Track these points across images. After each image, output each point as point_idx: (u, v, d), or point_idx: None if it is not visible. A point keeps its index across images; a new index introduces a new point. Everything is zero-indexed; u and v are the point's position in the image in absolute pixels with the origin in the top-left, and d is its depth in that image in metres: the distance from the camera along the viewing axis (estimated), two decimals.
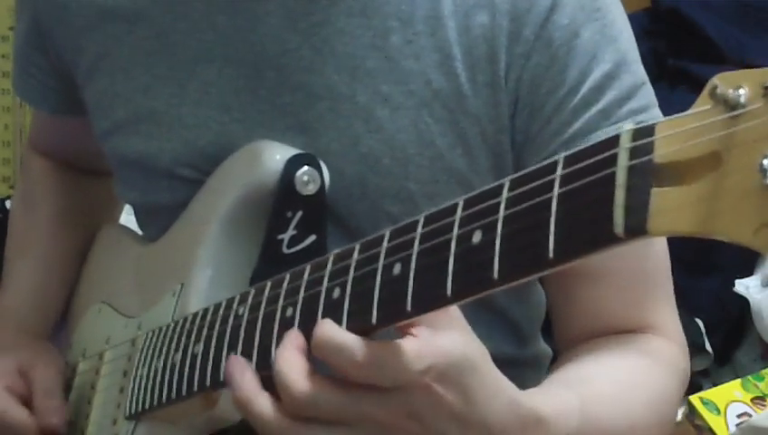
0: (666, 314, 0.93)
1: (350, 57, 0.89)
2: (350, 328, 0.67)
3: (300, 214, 0.86)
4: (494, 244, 0.59)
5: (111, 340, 1.01)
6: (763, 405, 1.56)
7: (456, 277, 0.61)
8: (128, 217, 1.26)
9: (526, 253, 0.57)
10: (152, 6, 0.95)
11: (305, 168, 0.86)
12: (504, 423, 0.69)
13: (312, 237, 0.87)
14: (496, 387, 0.69)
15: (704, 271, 1.95)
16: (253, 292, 0.79)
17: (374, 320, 0.66)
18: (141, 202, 1.02)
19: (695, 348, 1.93)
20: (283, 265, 0.82)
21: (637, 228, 0.52)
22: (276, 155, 0.87)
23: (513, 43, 0.87)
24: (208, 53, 0.93)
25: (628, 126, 0.54)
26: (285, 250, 0.87)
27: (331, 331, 0.65)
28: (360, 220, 0.90)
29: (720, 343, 1.98)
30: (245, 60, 0.91)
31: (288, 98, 0.90)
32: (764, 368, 1.68)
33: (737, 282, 1.93)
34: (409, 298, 0.64)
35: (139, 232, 1.11)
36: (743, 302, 1.92)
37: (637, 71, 0.90)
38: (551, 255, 0.56)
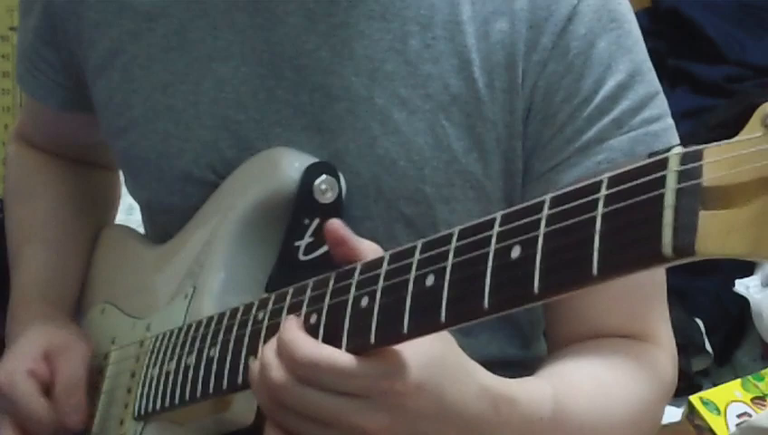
0: (659, 323, 0.95)
1: (369, 60, 0.89)
2: (378, 337, 0.68)
3: (317, 221, 0.87)
4: (535, 259, 0.60)
5: (117, 340, 1.01)
6: (763, 405, 1.56)
7: (494, 291, 0.62)
8: (127, 218, 1.26)
9: (569, 269, 0.59)
10: (173, 3, 0.95)
11: (324, 176, 0.87)
12: (478, 411, 0.73)
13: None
14: (465, 377, 0.72)
15: (704, 271, 1.95)
16: (273, 298, 0.79)
17: (405, 329, 0.67)
18: (153, 202, 1.01)
19: (695, 348, 1.93)
20: (299, 271, 0.83)
21: (685, 249, 0.53)
22: (295, 162, 0.88)
23: (531, 51, 0.88)
24: (225, 51, 0.93)
25: (677, 150, 0.55)
26: (302, 257, 0.87)
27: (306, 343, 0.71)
28: (376, 221, 0.91)
29: (720, 343, 1.98)
30: (263, 59, 0.92)
31: (306, 98, 0.91)
32: (764, 368, 1.68)
33: (737, 282, 1.93)
34: (443, 310, 0.65)
35: (141, 232, 1.10)
36: (743, 302, 1.92)
37: (650, 81, 0.91)
38: (595, 271, 0.57)
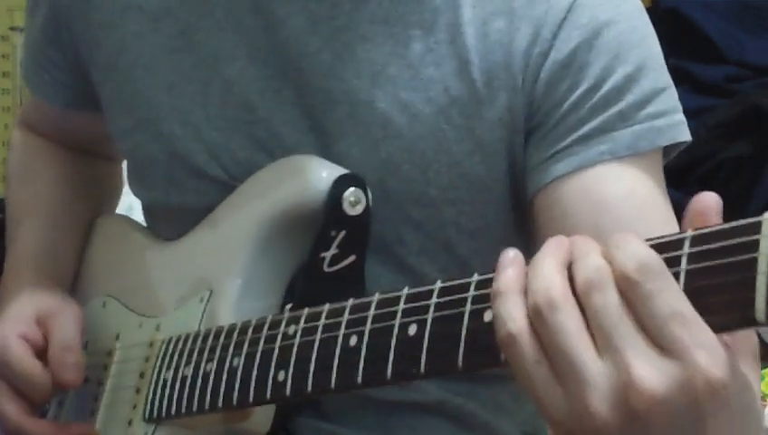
0: None
1: (371, 63, 0.89)
2: (428, 366, 0.67)
3: (343, 233, 0.87)
4: None
5: (122, 337, 1.00)
6: (764, 405, 1.56)
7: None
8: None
9: None
10: (178, 4, 0.94)
11: (352, 188, 0.87)
12: None
13: (352, 257, 0.87)
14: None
15: None
16: (305, 315, 0.78)
17: (460, 364, 0.65)
18: (162, 202, 1.00)
19: None
20: (323, 282, 0.83)
21: None
22: (323, 173, 0.88)
23: (532, 45, 0.87)
24: (231, 53, 0.92)
25: None
26: (326, 268, 0.87)
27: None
28: (383, 224, 0.90)
29: None
30: (269, 60, 0.91)
31: (310, 100, 0.91)
32: (764, 368, 1.68)
33: None
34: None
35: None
36: None
37: (659, 75, 0.89)
38: None
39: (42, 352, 0.96)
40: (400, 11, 0.89)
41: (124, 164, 1.09)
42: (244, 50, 0.92)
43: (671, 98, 0.90)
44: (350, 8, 0.89)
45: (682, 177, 1.97)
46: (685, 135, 0.90)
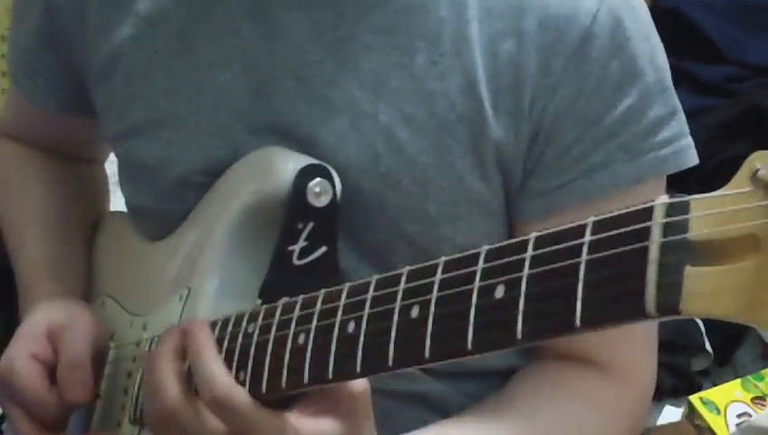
0: (633, 357, 0.94)
1: (374, 74, 0.88)
2: (364, 367, 0.67)
3: (311, 225, 0.85)
4: (518, 303, 0.58)
5: (116, 337, 1.00)
6: (763, 405, 1.56)
7: (478, 331, 0.60)
8: None
9: (553, 317, 0.56)
10: (175, 8, 0.93)
11: (317, 179, 0.85)
12: None
13: (323, 249, 0.86)
14: None
15: None
16: (263, 312, 0.78)
17: (390, 362, 0.65)
18: (150, 207, 0.99)
19: (695, 348, 1.93)
20: (294, 275, 0.82)
21: (669, 308, 0.51)
22: (288, 164, 0.86)
23: (542, 75, 0.86)
24: (226, 58, 0.91)
25: (662, 199, 0.52)
26: (296, 261, 0.85)
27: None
28: (377, 235, 0.89)
29: (720, 342, 1.98)
30: (262, 67, 0.90)
31: (304, 109, 0.89)
32: (764, 368, 1.68)
33: None
34: (428, 345, 0.63)
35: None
36: None
37: (664, 102, 0.88)
38: (578, 323, 0.55)
39: (53, 369, 0.95)
40: (405, 21, 0.88)
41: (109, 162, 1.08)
42: (239, 56, 0.91)
43: (677, 123, 0.89)
44: (353, 18, 0.88)
45: (682, 177, 1.97)
46: (691, 160, 0.89)
